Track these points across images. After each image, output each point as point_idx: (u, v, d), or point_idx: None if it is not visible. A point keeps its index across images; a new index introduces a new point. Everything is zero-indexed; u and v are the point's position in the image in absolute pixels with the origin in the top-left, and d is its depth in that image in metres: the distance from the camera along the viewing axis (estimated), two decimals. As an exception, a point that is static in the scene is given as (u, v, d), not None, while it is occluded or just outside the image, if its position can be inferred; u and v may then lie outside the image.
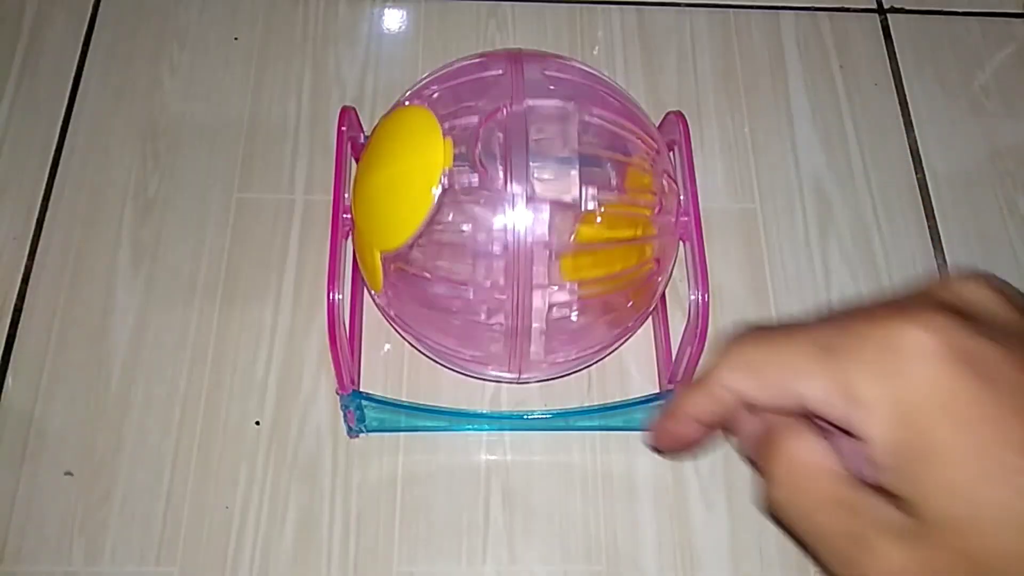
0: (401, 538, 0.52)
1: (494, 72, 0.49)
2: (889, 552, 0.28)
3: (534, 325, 0.47)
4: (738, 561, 0.52)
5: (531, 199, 0.44)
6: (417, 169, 0.45)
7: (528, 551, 0.52)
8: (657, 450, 0.46)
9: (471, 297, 0.48)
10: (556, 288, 0.47)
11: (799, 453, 0.32)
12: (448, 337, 0.50)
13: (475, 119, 0.47)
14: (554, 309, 0.48)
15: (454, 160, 0.44)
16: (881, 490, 0.29)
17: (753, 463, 0.34)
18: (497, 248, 0.45)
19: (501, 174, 0.44)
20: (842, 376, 0.30)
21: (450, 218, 0.47)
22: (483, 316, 0.48)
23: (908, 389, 0.29)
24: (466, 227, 0.48)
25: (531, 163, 0.45)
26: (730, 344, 0.34)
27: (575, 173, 0.46)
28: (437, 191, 0.44)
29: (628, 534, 0.53)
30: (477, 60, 0.51)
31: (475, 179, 0.45)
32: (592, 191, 0.46)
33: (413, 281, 0.48)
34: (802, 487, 0.31)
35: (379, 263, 0.47)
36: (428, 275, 0.48)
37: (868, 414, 0.29)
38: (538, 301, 0.46)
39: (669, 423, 0.37)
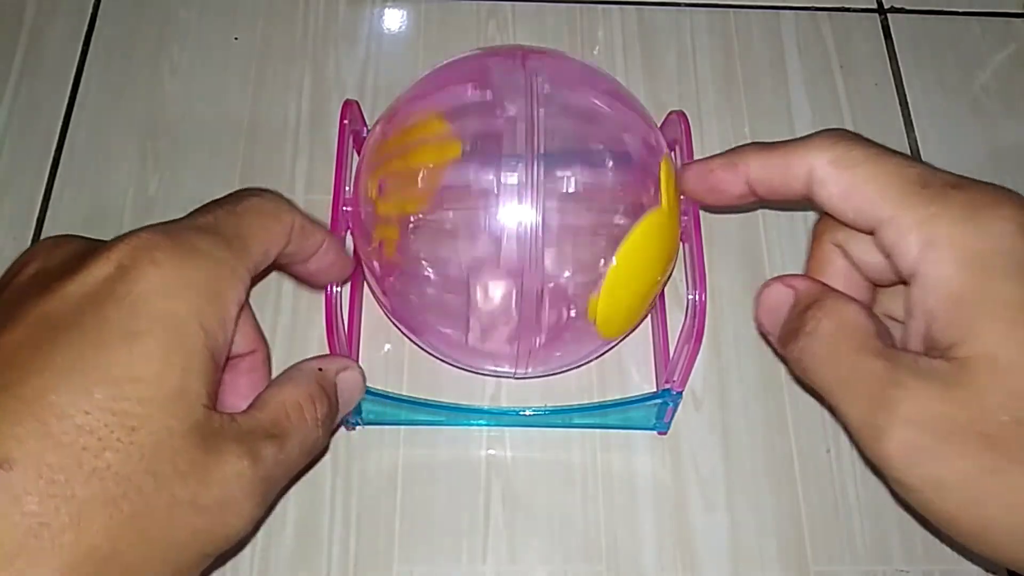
0: (401, 537, 0.52)
1: (499, 68, 0.49)
2: (922, 390, 0.30)
3: (540, 316, 0.47)
4: (738, 561, 0.52)
5: (540, 189, 0.44)
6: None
7: (528, 551, 0.52)
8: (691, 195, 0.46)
9: (476, 284, 0.47)
10: (562, 280, 0.47)
11: (849, 312, 0.34)
12: (447, 327, 0.50)
13: (484, 111, 0.47)
14: (560, 304, 0.48)
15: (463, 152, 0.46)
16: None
17: (788, 334, 0.36)
18: (505, 234, 0.45)
19: (513, 165, 0.45)
20: (925, 213, 0.32)
21: (458, 201, 0.47)
22: (485, 306, 0.48)
23: (983, 240, 0.32)
24: (472, 210, 0.47)
25: (541, 158, 0.45)
26: (824, 135, 0.35)
27: (577, 169, 0.46)
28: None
29: (628, 534, 0.53)
30: (479, 56, 0.51)
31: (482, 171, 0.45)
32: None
33: (414, 267, 0.48)
34: (846, 336, 0.33)
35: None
36: (427, 265, 0.48)
37: (939, 255, 0.31)
38: (542, 291, 0.46)
39: (720, 168, 0.38)
